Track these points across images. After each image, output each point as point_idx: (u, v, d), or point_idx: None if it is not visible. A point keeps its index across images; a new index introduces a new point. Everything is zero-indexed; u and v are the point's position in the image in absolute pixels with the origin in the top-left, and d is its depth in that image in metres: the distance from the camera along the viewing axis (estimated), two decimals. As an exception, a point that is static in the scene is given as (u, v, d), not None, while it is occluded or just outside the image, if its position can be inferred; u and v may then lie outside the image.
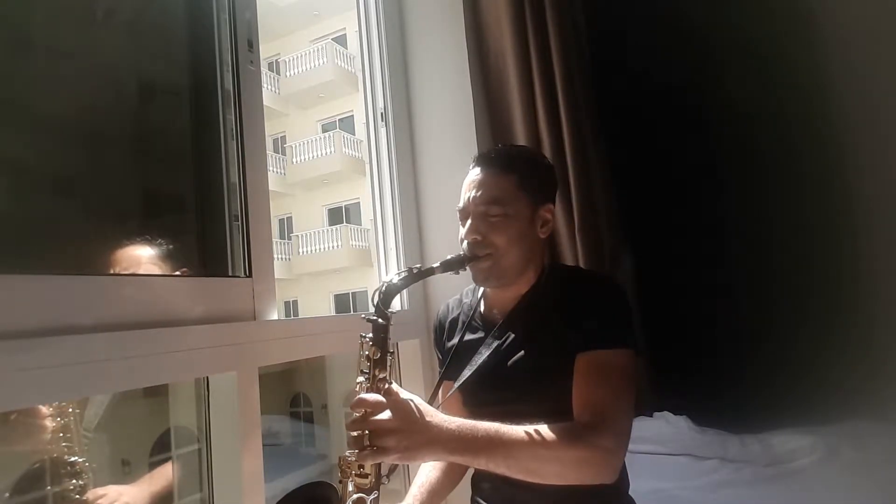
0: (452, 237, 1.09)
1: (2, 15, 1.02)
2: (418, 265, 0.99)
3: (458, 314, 1.20)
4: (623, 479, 1.05)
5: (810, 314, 1.69)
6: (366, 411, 0.82)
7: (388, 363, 0.90)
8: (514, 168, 1.06)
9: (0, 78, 1.01)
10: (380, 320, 0.90)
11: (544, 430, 0.86)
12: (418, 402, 0.86)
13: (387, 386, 0.88)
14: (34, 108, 1.07)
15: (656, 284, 1.75)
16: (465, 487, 1.17)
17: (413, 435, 0.81)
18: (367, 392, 0.86)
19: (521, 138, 1.57)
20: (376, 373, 0.88)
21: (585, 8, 1.72)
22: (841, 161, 1.72)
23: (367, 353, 0.89)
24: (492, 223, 1.03)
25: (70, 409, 1.07)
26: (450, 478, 1.15)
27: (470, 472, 1.16)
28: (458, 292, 1.26)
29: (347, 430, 0.82)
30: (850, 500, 1.30)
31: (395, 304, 1.67)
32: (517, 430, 0.85)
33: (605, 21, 1.83)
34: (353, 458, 0.83)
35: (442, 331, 1.23)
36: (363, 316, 0.92)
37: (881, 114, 1.62)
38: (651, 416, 1.66)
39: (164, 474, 1.22)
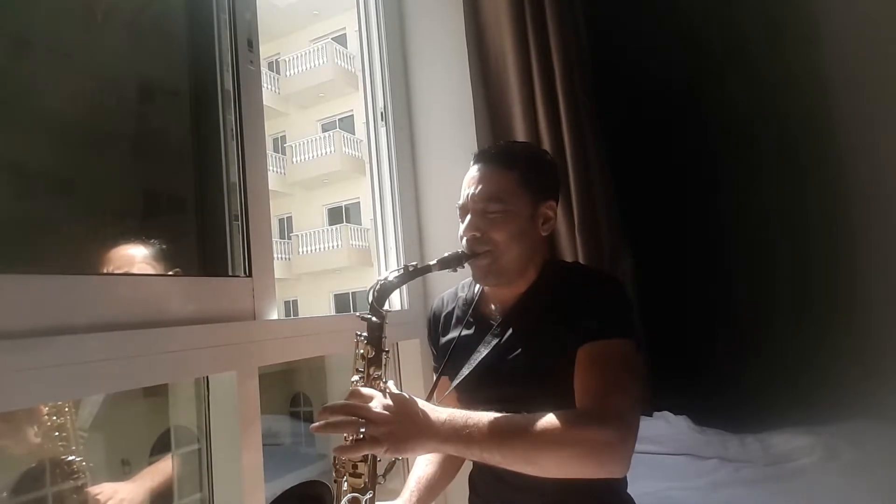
0: (453, 236, 1.09)
1: (2, 15, 1.02)
2: (414, 263, 0.99)
3: (453, 308, 1.18)
4: (621, 478, 1.05)
5: (810, 314, 1.69)
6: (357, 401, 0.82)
7: (384, 361, 0.90)
8: (514, 165, 1.05)
9: (0, 78, 1.01)
10: (374, 319, 0.90)
11: (542, 418, 0.82)
12: (412, 395, 0.86)
13: (382, 385, 0.88)
14: (34, 108, 1.07)
15: (656, 284, 1.74)
16: (462, 487, 1.17)
17: (403, 425, 0.81)
18: None
19: (520, 138, 1.56)
20: (371, 371, 0.88)
21: (585, 8, 1.72)
22: (840, 161, 1.72)
23: (361, 351, 0.89)
24: (491, 220, 1.02)
25: (66, 409, 1.07)
26: (446, 472, 1.15)
27: (467, 471, 1.16)
28: (457, 291, 1.25)
29: (336, 413, 0.81)
30: (850, 500, 1.30)
31: (396, 304, 1.68)
32: (513, 419, 0.83)
33: (605, 21, 1.83)
34: (345, 446, 0.81)
35: (437, 324, 1.21)
36: (358, 314, 0.91)
37: (881, 114, 1.62)
38: (651, 416, 1.66)
39: (162, 470, 1.22)
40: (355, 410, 0.81)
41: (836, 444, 1.47)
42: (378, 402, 0.82)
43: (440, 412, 0.84)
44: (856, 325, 1.62)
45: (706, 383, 1.74)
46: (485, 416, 0.83)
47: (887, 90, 1.60)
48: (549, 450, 0.81)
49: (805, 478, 1.41)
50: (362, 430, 0.79)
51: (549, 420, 0.81)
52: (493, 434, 0.82)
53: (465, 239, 1.04)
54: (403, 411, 0.82)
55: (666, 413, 1.68)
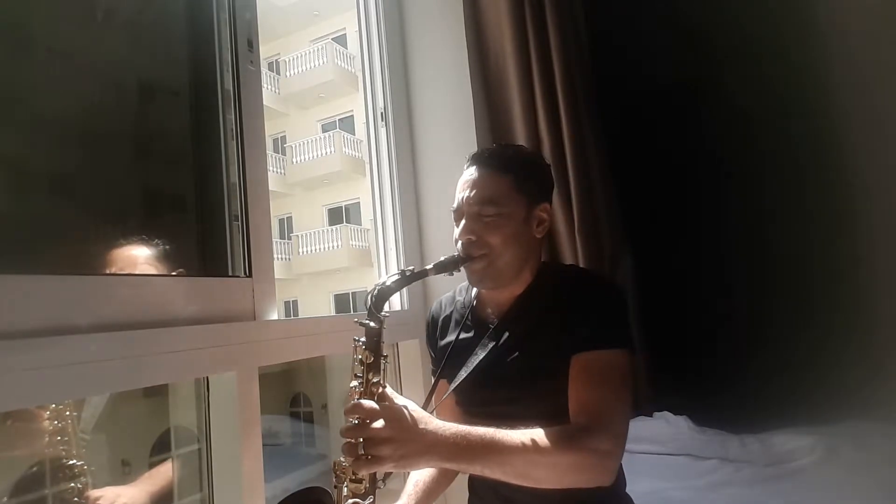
0: (452, 237, 1.09)
1: (2, 15, 1.02)
2: (411, 267, 0.99)
3: (451, 312, 1.19)
4: (619, 478, 1.05)
5: (811, 314, 1.69)
6: (360, 419, 0.81)
7: (382, 367, 0.89)
8: (509, 168, 1.05)
9: (0, 78, 1.01)
10: (372, 324, 0.90)
11: (540, 434, 0.85)
12: (412, 408, 0.85)
13: (380, 390, 0.87)
14: (34, 108, 1.07)
15: (656, 285, 1.75)
16: (462, 487, 1.17)
17: (408, 444, 0.81)
18: (360, 396, 0.86)
19: (521, 138, 1.57)
20: (370, 377, 0.88)
21: (585, 8, 1.72)
22: (841, 162, 1.72)
23: (360, 357, 0.89)
24: (486, 223, 1.02)
25: (67, 413, 1.07)
26: (445, 475, 1.15)
27: (466, 473, 1.16)
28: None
29: (342, 436, 0.82)
30: (850, 500, 1.31)
31: (395, 305, 1.68)
32: (512, 436, 0.85)
33: (605, 21, 1.83)
34: (348, 465, 0.83)
35: (435, 328, 1.22)
36: (356, 320, 0.91)
37: (882, 114, 1.62)
38: (651, 416, 1.66)
39: (163, 473, 1.22)
40: (357, 433, 0.81)
41: (837, 444, 1.47)
42: (380, 420, 0.81)
43: (443, 428, 0.84)
44: (856, 325, 1.62)
45: (706, 383, 1.74)
46: (487, 434, 0.84)
47: (889, 89, 1.60)
48: (546, 467, 0.85)
49: (805, 478, 1.41)
50: (361, 452, 0.79)
51: (546, 438, 0.85)
52: (494, 453, 0.83)
53: (460, 242, 1.04)
54: (406, 428, 0.82)
55: (666, 413, 1.68)
